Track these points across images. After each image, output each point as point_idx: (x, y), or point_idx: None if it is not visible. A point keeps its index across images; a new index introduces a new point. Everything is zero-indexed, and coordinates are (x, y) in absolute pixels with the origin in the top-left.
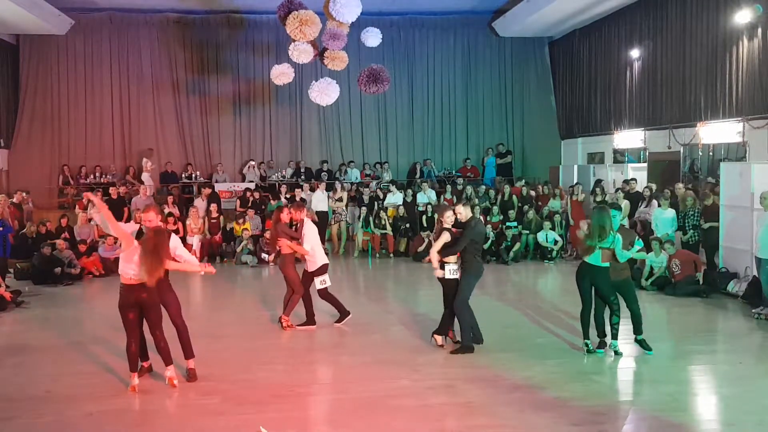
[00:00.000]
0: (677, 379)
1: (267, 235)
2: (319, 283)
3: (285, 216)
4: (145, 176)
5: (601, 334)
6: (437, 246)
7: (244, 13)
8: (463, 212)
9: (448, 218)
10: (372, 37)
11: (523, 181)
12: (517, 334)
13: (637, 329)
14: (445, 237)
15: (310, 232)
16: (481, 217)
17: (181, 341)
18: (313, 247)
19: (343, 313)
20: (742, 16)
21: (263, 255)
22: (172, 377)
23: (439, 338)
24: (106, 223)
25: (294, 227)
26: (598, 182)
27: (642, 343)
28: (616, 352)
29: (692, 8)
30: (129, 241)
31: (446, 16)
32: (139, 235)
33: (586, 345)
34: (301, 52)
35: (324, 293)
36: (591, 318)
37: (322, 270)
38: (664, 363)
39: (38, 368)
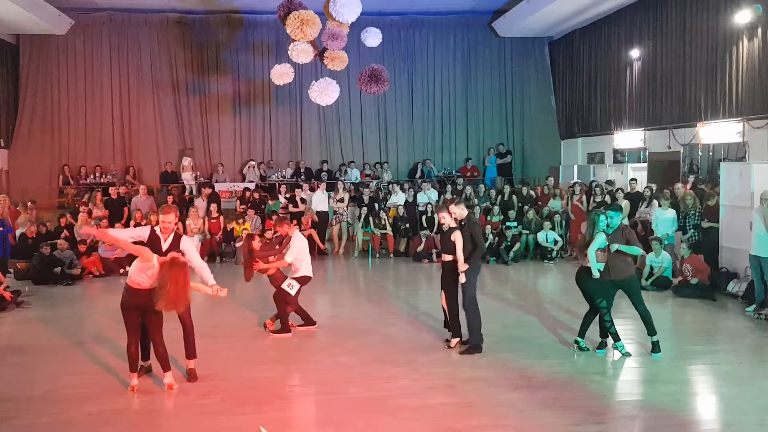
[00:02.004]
0: (677, 379)
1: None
2: (287, 285)
3: (256, 244)
4: (185, 176)
5: (603, 335)
6: (461, 249)
7: (244, 13)
8: (457, 211)
9: (445, 218)
10: (372, 37)
11: (552, 179)
12: (517, 334)
13: (649, 330)
14: (459, 237)
15: (296, 244)
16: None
17: (186, 341)
18: (299, 259)
19: (285, 328)
20: (742, 16)
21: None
22: (171, 384)
23: (453, 341)
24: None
25: (280, 241)
26: (592, 183)
27: (654, 345)
28: (624, 354)
29: (692, 8)
30: (146, 258)
31: (446, 16)
32: (154, 239)
33: (577, 342)
34: (300, 52)
35: (280, 296)
36: (593, 319)
37: (302, 280)
38: (664, 363)
39: (38, 368)
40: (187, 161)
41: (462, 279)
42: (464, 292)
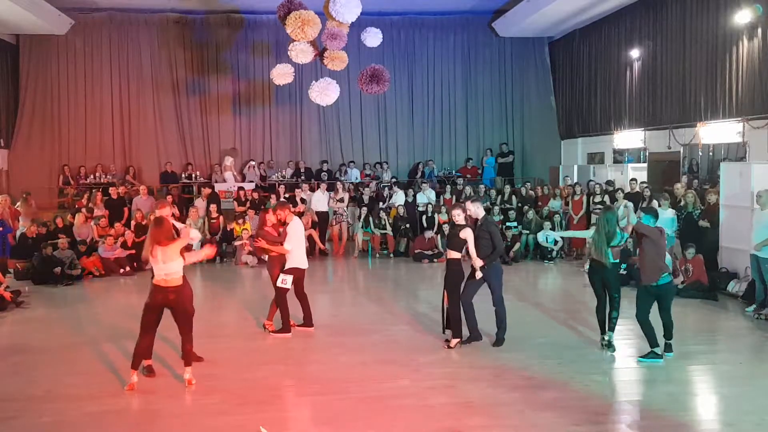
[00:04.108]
0: (677, 379)
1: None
2: (280, 281)
3: (270, 217)
4: (227, 175)
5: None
6: (473, 246)
7: (244, 13)
8: (473, 209)
9: (458, 216)
10: (372, 37)
11: (568, 178)
12: (517, 334)
13: (667, 335)
14: (470, 234)
15: (293, 232)
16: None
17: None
18: (292, 248)
19: (285, 328)
20: (742, 16)
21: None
22: (191, 379)
23: (454, 341)
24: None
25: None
26: (589, 182)
27: (668, 345)
28: (609, 344)
29: (692, 8)
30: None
31: (446, 16)
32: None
33: (604, 338)
34: (300, 52)
35: (280, 294)
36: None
37: (290, 272)
38: (664, 363)
39: (38, 368)
40: (229, 161)
41: (478, 275)
42: (493, 293)
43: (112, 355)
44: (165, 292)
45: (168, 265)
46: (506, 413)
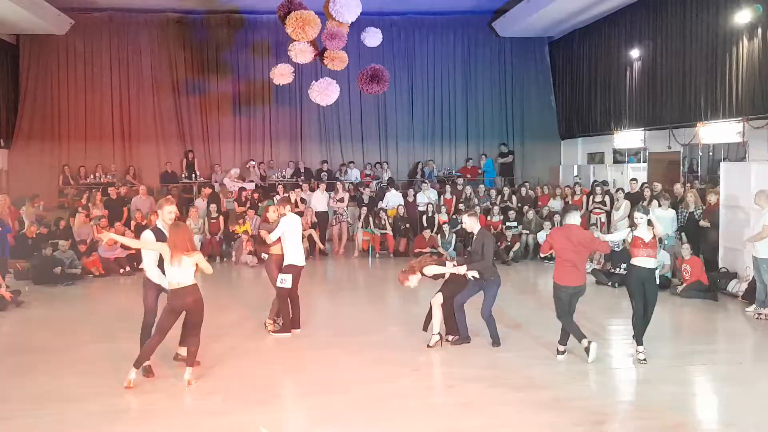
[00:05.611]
0: (677, 379)
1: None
2: (280, 281)
3: (271, 214)
4: (226, 180)
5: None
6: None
7: (244, 13)
8: (468, 223)
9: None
10: (372, 37)
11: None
12: (517, 334)
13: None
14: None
15: (281, 225)
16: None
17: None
18: (285, 239)
19: (285, 328)
20: (742, 16)
21: (263, 255)
22: (191, 379)
23: (451, 337)
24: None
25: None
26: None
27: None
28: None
29: (692, 8)
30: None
31: (446, 16)
32: (160, 235)
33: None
34: (300, 52)
35: (281, 295)
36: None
37: (288, 269)
38: (664, 363)
39: (38, 368)
40: (234, 171)
41: (472, 274)
42: (484, 306)
43: (112, 354)
44: (183, 295)
45: (182, 270)
46: (506, 413)
